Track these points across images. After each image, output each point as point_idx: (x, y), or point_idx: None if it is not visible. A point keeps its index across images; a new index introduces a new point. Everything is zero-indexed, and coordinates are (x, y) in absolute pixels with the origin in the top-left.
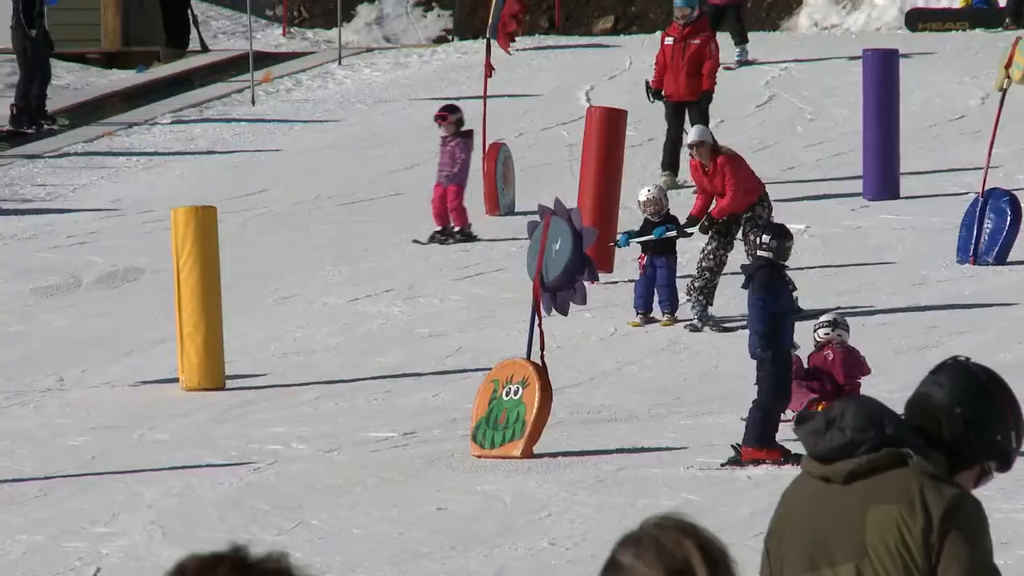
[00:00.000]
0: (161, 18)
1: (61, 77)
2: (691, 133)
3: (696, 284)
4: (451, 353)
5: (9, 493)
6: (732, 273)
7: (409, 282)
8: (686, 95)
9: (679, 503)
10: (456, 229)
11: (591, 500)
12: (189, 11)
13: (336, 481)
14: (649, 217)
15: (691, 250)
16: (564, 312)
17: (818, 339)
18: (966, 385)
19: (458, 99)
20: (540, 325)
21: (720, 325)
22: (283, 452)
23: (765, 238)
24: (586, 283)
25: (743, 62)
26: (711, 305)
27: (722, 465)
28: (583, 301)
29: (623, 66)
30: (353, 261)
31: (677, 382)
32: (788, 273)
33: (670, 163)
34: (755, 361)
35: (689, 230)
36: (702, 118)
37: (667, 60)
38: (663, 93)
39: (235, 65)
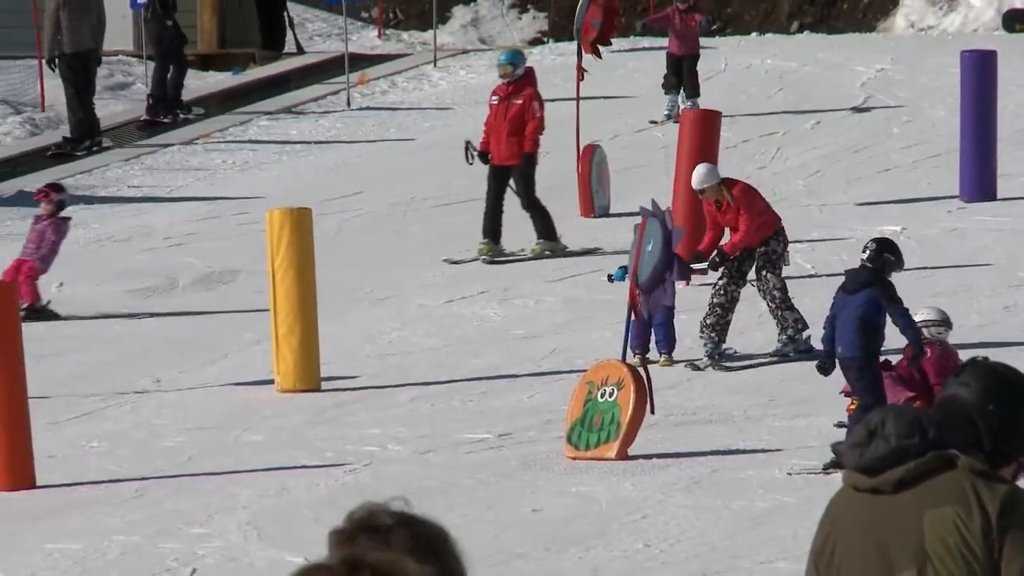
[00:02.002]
0: (257, 20)
1: None
2: (693, 178)
3: (708, 321)
4: (546, 355)
5: (106, 494)
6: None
7: (504, 284)
8: (507, 158)
9: (774, 505)
10: (25, 304)
11: (686, 502)
12: (285, 13)
13: (431, 482)
14: None
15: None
16: (656, 313)
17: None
18: (992, 383)
19: (553, 101)
20: (638, 326)
21: (724, 365)
22: (378, 453)
23: (874, 252)
24: (678, 283)
25: None
26: (724, 342)
27: (824, 467)
28: (671, 300)
29: (718, 68)
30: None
31: (772, 383)
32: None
33: (490, 230)
34: (852, 364)
35: (696, 266)
36: (526, 183)
37: (492, 121)
38: (488, 157)
39: (331, 67)
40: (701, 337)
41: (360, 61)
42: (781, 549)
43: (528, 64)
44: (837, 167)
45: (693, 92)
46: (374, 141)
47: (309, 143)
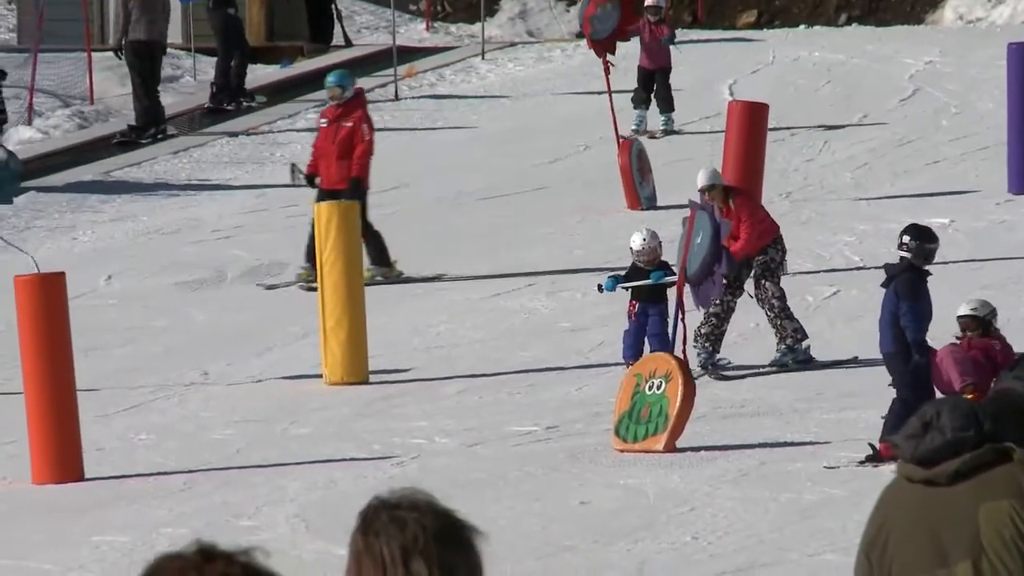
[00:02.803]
0: (305, 13)
1: (207, 72)
2: (700, 177)
3: (703, 331)
4: (593, 347)
5: (154, 486)
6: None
7: (551, 276)
8: (338, 183)
9: (823, 498)
10: None
11: (734, 494)
12: (333, 6)
13: (479, 475)
14: (641, 265)
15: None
16: (706, 305)
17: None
18: None
19: (600, 93)
20: (683, 320)
21: (721, 374)
22: (426, 446)
23: (906, 239)
24: (723, 275)
25: (669, 131)
26: (718, 352)
27: (861, 463)
28: (720, 293)
29: (766, 60)
30: (495, 255)
31: (819, 377)
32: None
33: (314, 255)
34: (888, 359)
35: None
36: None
37: (320, 144)
38: (316, 180)
39: (378, 60)
40: (695, 347)
41: (408, 54)
42: (829, 541)
43: (358, 86)
44: (885, 160)
45: (667, 107)
46: (421, 131)
47: None
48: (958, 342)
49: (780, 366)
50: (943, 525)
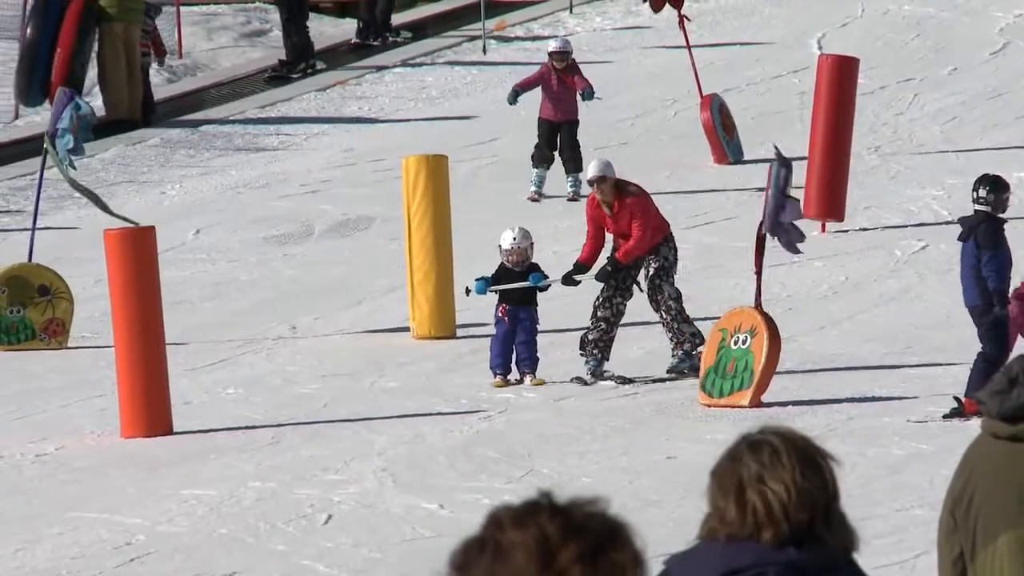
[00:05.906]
0: None
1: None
2: (591, 168)
3: (590, 336)
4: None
5: (242, 440)
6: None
7: None
8: None
9: (911, 453)
10: None
11: None
12: None
13: (566, 430)
14: (510, 266)
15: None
16: (794, 251)
17: None
18: None
19: (679, 48)
20: (758, 273)
21: (621, 378)
22: (513, 400)
23: (983, 192)
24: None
25: (578, 195)
26: (607, 360)
27: (944, 417)
28: (800, 239)
29: (855, 13)
30: (581, 209)
31: (909, 331)
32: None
33: None
34: (974, 313)
35: (578, 277)
36: None
37: None
38: None
39: (466, 14)
40: (582, 354)
41: (496, 8)
42: (917, 496)
43: None
44: (974, 113)
45: (575, 167)
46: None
47: (444, 90)
48: None
49: (676, 373)
50: None
